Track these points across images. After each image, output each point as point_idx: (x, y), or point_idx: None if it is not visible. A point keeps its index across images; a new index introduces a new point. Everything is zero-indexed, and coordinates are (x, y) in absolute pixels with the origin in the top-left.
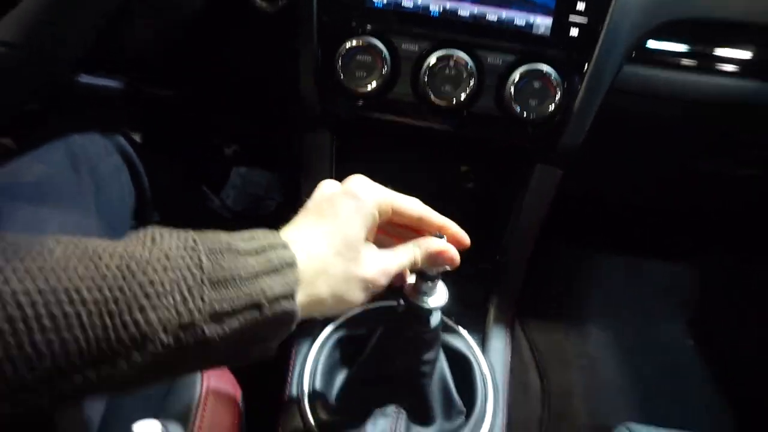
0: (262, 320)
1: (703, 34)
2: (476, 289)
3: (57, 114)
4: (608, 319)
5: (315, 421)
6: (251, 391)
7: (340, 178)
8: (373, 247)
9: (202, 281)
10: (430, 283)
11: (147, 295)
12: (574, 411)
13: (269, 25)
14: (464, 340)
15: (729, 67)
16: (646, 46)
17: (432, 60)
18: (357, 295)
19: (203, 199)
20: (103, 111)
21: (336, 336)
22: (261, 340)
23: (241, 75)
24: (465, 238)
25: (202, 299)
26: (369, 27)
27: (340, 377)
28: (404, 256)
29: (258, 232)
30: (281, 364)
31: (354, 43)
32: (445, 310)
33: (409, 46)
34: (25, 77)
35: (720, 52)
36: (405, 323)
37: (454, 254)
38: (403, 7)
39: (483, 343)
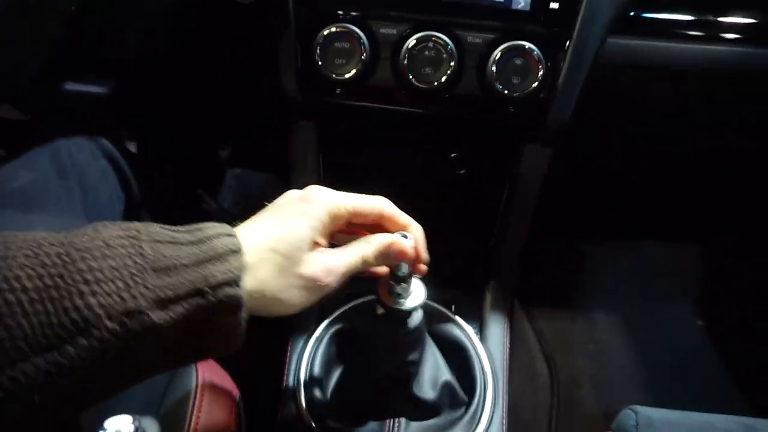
0: (208, 306)
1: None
2: (473, 276)
3: (45, 122)
4: (614, 303)
5: (313, 418)
6: (248, 388)
7: (327, 170)
8: (323, 248)
9: (144, 268)
10: (403, 284)
11: (87, 281)
12: (583, 398)
13: (247, 17)
14: (462, 329)
15: (716, 34)
16: (630, 15)
17: (411, 43)
18: (294, 295)
19: (198, 202)
20: (91, 117)
21: (332, 330)
22: (213, 330)
23: (225, 70)
24: (422, 246)
25: (146, 286)
26: (346, 13)
27: (337, 372)
28: (353, 253)
29: (206, 224)
30: (278, 360)
31: (331, 30)
32: (443, 300)
33: (388, 30)
34: None
35: (705, 18)
36: (384, 326)
37: (407, 246)
38: None
39: (481, 331)
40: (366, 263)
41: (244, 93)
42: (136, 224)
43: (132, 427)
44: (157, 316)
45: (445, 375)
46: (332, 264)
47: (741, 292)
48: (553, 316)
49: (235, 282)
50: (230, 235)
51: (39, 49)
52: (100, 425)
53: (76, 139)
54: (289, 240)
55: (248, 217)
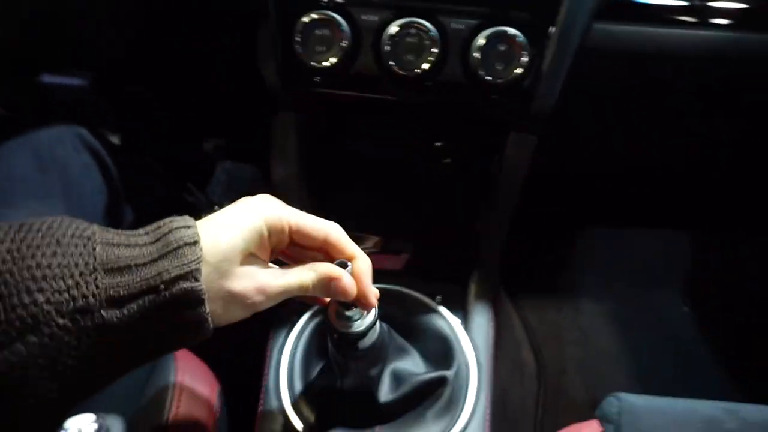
0: (162, 302)
1: None
2: (458, 266)
3: (25, 117)
4: (601, 291)
5: (294, 413)
6: (229, 380)
7: (309, 163)
8: (261, 264)
9: (95, 268)
10: (353, 308)
11: (35, 278)
12: (570, 386)
13: (227, 6)
14: (445, 320)
15: (706, 19)
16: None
17: (393, 29)
18: (218, 307)
19: (186, 196)
20: (72, 110)
21: (313, 323)
22: (174, 326)
23: (210, 60)
24: (366, 281)
25: (96, 285)
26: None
27: (318, 366)
28: (292, 277)
29: (166, 219)
30: (258, 353)
31: (312, 16)
32: (428, 291)
33: (369, 17)
34: None
35: (695, 3)
36: (339, 348)
37: (349, 285)
38: None
39: (465, 321)
40: (303, 290)
41: (231, 84)
42: (94, 226)
43: (95, 426)
44: (109, 314)
45: (412, 376)
46: (266, 283)
47: (725, 279)
48: (540, 305)
49: (191, 275)
50: (187, 227)
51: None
52: (61, 426)
53: (57, 133)
54: (219, 249)
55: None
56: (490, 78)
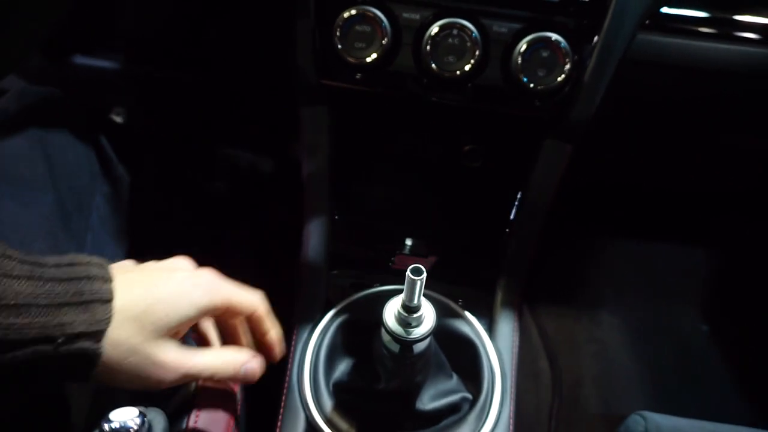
0: (55, 356)
1: None
2: (484, 271)
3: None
4: (620, 304)
5: (317, 410)
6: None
7: (338, 157)
8: (178, 341)
9: None
10: (414, 315)
11: None
12: (585, 398)
13: None
14: (471, 325)
15: (750, 35)
16: (661, 12)
17: (434, 29)
18: (128, 370)
19: (189, 182)
20: (98, 91)
21: (337, 321)
22: (53, 378)
23: (238, 51)
24: (275, 355)
25: None
26: None
27: (342, 364)
28: (205, 361)
29: (81, 259)
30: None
31: (352, 12)
32: (451, 294)
33: (411, 15)
34: None
35: (740, 18)
36: (391, 352)
37: (258, 371)
38: None
39: (490, 327)
40: (212, 377)
41: (252, 73)
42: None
43: (138, 420)
44: None
45: (450, 389)
46: (181, 361)
47: (747, 299)
48: (557, 315)
49: (95, 335)
50: (104, 280)
51: (49, 18)
52: (105, 417)
53: (46, 105)
54: (157, 317)
55: (238, 199)
56: (531, 84)
